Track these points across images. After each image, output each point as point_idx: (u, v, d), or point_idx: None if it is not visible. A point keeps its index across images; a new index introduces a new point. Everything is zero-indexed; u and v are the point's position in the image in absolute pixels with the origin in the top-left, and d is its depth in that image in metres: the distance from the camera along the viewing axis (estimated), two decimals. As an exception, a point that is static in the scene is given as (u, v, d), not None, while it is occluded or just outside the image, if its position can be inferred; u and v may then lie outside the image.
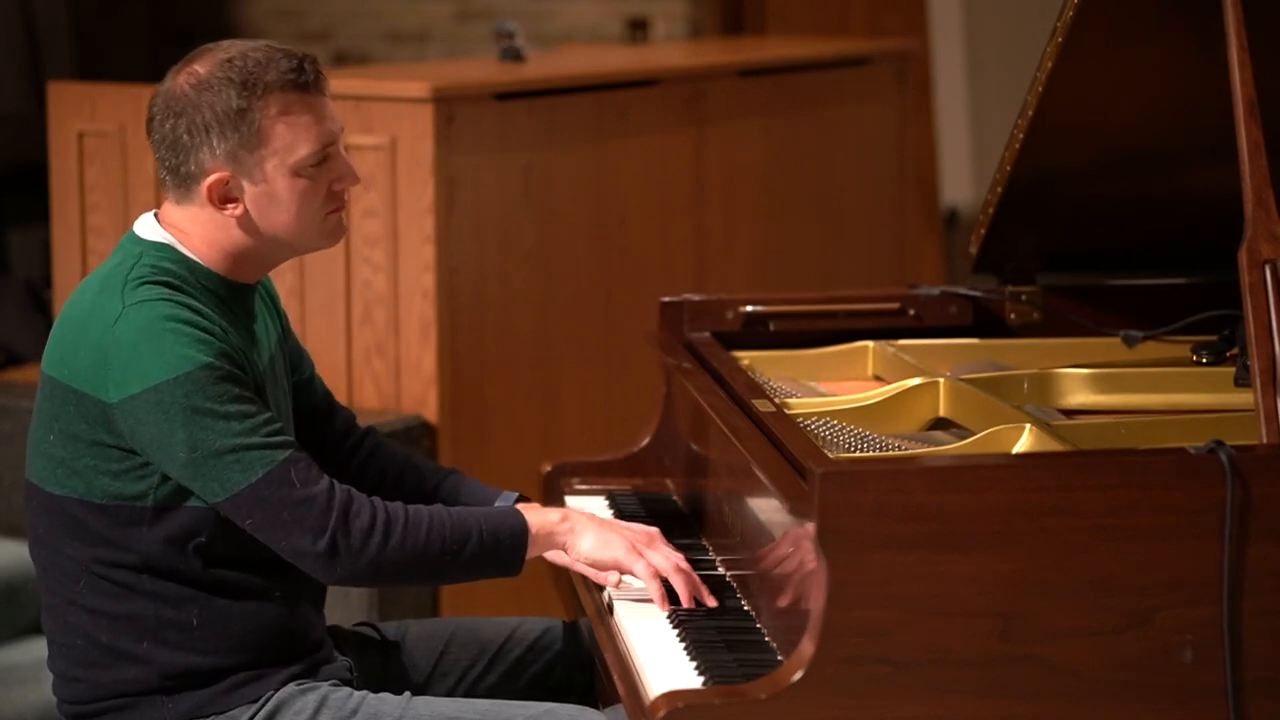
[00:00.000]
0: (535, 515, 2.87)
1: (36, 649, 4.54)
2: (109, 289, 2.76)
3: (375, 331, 4.64)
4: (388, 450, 3.17)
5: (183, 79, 2.80)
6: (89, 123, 4.91)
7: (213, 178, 2.78)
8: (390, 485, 3.13)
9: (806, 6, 7.97)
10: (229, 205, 2.80)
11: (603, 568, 2.91)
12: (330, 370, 4.64)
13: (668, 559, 2.88)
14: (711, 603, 2.87)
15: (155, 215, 2.85)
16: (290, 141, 2.79)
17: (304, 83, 2.80)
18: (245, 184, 2.79)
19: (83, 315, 2.77)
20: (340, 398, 4.61)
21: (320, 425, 3.12)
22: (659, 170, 5.31)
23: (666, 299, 3.59)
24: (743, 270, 5.60)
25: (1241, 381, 3.22)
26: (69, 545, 2.79)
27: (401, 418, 4.58)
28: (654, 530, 2.97)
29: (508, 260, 4.81)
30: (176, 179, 2.81)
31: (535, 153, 4.88)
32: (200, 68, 2.79)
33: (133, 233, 2.85)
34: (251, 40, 2.85)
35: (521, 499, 3.13)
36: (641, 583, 2.88)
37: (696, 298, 3.59)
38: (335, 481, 2.75)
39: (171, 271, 2.78)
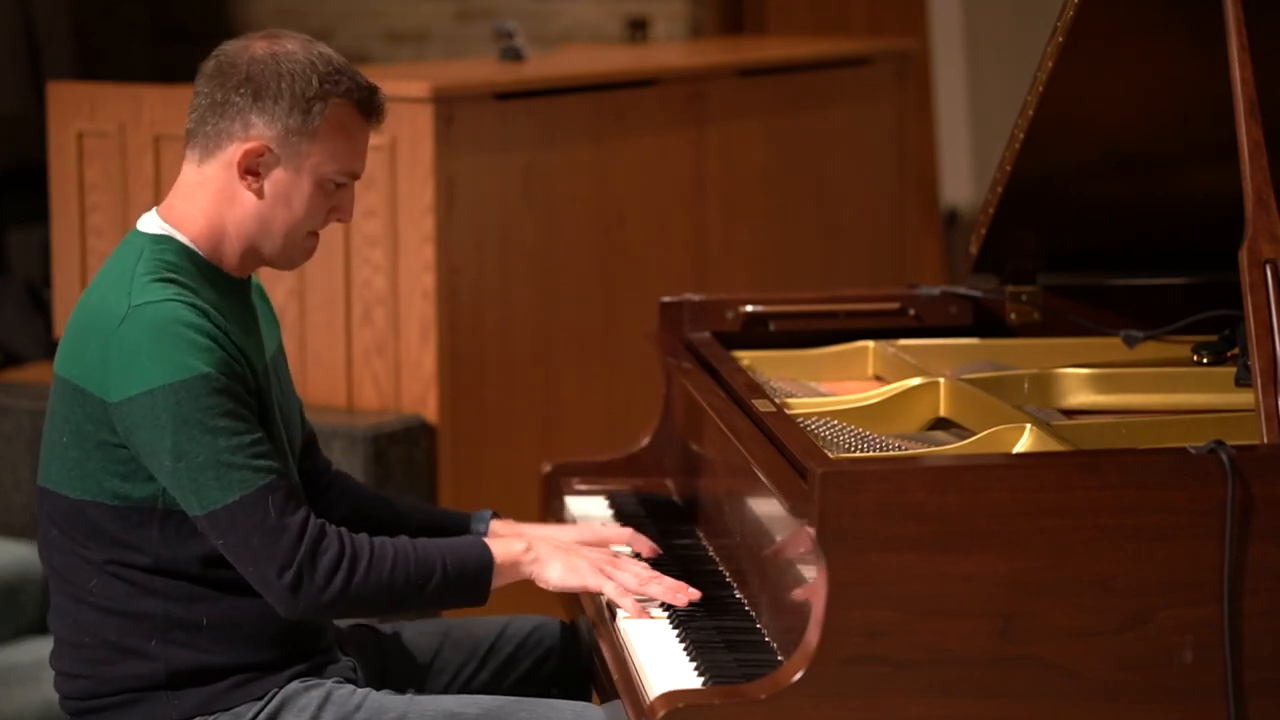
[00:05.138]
0: (500, 546, 2.86)
1: (36, 649, 4.54)
2: (116, 287, 2.76)
3: (375, 331, 4.64)
4: (359, 486, 3.21)
5: (264, 45, 2.82)
6: (89, 123, 4.91)
7: (253, 144, 2.80)
8: (363, 516, 3.13)
9: (806, 6, 7.97)
10: (249, 178, 2.81)
11: (572, 593, 2.94)
12: (330, 370, 4.65)
13: (635, 575, 2.88)
14: (694, 596, 2.86)
15: (156, 210, 2.86)
16: (333, 152, 2.83)
17: (371, 109, 2.86)
18: (278, 166, 2.81)
19: (90, 314, 2.77)
20: (340, 398, 4.65)
21: (303, 459, 3.11)
22: (658, 170, 5.31)
23: (666, 299, 3.59)
24: (743, 270, 5.60)
25: (1242, 381, 3.22)
26: (83, 547, 2.79)
27: (401, 418, 4.58)
28: (626, 534, 3.02)
29: (508, 260, 4.81)
30: (209, 134, 2.82)
31: (535, 153, 4.88)
32: (289, 44, 2.82)
33: (135, 229, 2.86)
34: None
35: (494, 517, 3.16)
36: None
37: (696, 298, 3.59)
38: (311, 513, 2.74)
39: (174, 264, 2.79)
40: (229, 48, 2.84)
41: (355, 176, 2.88)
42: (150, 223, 2.85)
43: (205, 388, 2.69)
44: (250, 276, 2.92)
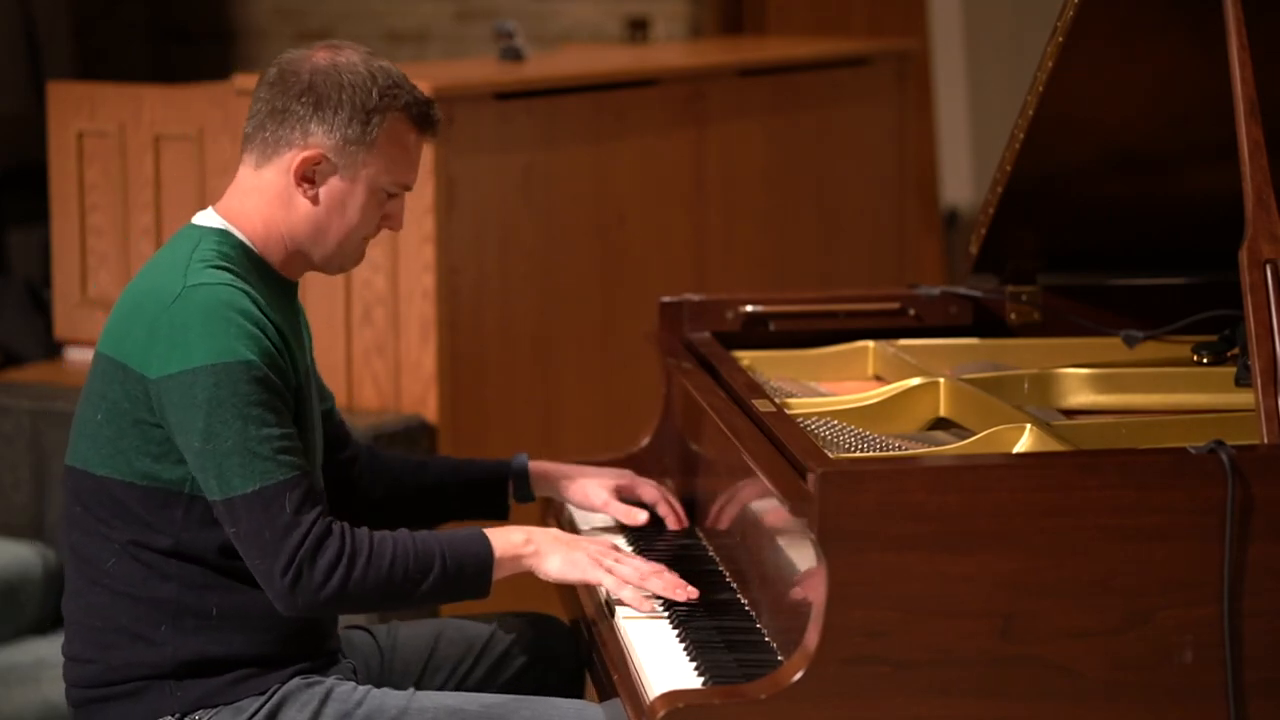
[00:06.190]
0: (499, 538, 2.87)
1: (36, 649, 4.54)
2: (171, 270, 2.80)
3: (375, 331, 4.64)
4: (389, 460, 3.26)
5: (325, 55, 2.87)
6: (89, 123, 4.91)
7: (311, 152, 2.84)
8: (402, 488, 3.21)
9: (807, 6, 7.97)
10: (305, 185, 2.85)
11: (571, 586, 2.97)
12: (330, 370, 4.64)
13: (634, 568, 2.88)
14: (693, 594, 2.86)
15: (213, 207, 2.91)
16: (389, 164, 2.87)
17: (427, 122, 2.91)
18: (335, 175, 2.86)
19: (141, 295, 2.81)
20: (340, 398, 4.64)
21: (337, 451, 3.18)
22: (659, 170, 5.31)
23: (666, 299, 3.59)
24: (743, 270, 5.60)
25: (1242, 381, 3.22)
26: (105, 526, 2.82)
27: (401, 418, 4.58)
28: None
29: (508, 260, 4.82)
30: (267, 140, 2.86)
31: (535, 153, 4.88)
32: (351, 55, 2.87)
33: (191, 223, 2.90)
34: None
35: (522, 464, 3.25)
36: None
37: (696, 298, 3.59)
38: (322, 514, 2.76)
39: (230, 256, 2.83)
40: (290, 56, 2.89)
41: (408, 187, 2.93)
42: (207, 217, 2.90)
43: (245, 374, 2.72)
44: (298, 281, 2.96)
